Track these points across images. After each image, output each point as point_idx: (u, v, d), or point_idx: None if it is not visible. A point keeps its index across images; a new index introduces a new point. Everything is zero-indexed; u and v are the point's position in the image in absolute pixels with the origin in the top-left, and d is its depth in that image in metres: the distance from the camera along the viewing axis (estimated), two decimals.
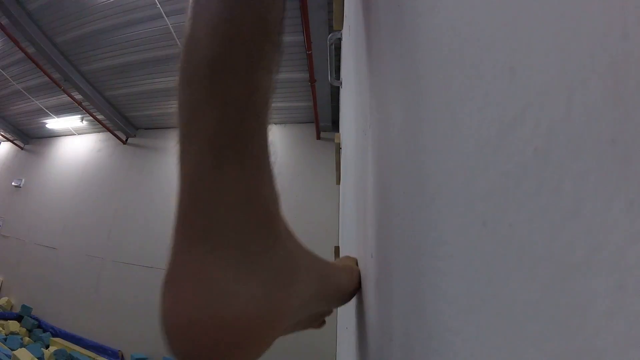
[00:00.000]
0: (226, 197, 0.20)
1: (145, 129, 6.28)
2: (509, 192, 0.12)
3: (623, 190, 0.08)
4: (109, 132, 6.03)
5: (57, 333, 5.18)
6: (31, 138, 7.18)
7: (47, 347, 4.83)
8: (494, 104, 0.14)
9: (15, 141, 7.03)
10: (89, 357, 4.67)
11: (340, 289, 0.36)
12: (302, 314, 0.27)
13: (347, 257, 0.49)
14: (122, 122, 5.99)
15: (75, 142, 6.68)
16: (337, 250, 2.41)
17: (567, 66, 0.10)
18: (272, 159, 0.24)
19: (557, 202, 0.10)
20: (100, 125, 5.90)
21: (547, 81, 0.11)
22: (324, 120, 4.98)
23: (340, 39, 1.92)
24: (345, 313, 0.83)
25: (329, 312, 0.38)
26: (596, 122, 0.09)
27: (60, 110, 5.96)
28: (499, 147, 0.13)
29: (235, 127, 0.21)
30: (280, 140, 5.38)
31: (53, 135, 6.90)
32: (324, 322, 0.38)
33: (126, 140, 6.28)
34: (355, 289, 0.41)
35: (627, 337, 0.07)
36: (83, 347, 4.89)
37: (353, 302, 0.48)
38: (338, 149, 2.35)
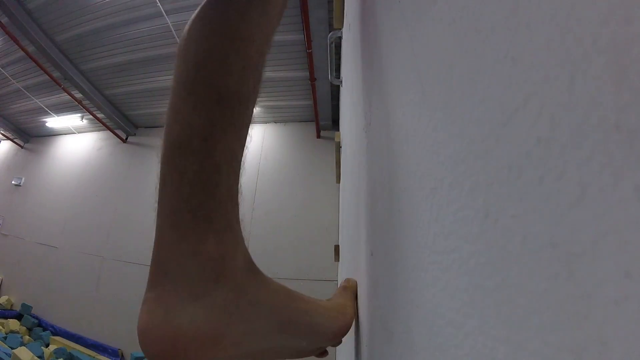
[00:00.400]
0: (178, 252, 0.28)
1: (146, 127, 6.28)
2: (511, 183, 0.12)
3: (628, 176, 0.07)
4: (109, 131, 6.03)
5: (57, 332, 5.18)
6: (31, 137, 7.18)
7: (47, 345, 4.84)
8: (495, 94, 0.14)
9: (15, 140, 7.03)
10: (89, 355, 4.68)
11: (317, 329, 0.37)
12: (259, 342, 0.32)
13: (344, 289, 0.48)
14: (122, 121, 5.98)
15: (75, 140, 6.68)
16: (337, 249, 2.41)
17: (568, 53, 0.10)
18: (230, 217, 0.29)
19: (561, 191, 0.10)
20: (100, 123, 5.90)
21: (549, 69, 0.11)
22: (324, 118, 4.98)
23: (340, 38, 1.92)
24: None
25: (318, 349, 0.40)
26: (599, 109, 0.09)
27: (60, 108, 5.96)
28: (501, 138, 0.13)
29: (188, 200, 0.28)
30: (280, 139, 5.38)
31: (53, 134, 6.90)
32: (325, 352, 0.42)
33: (126, 138, 6.28)
34: (345, 330, 0.41)
35: (635, 324, 0.07)
36: (83, 346, 4.90)
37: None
38: (338, 147, 2.35)
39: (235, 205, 0.31)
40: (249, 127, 0.32)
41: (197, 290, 0.28)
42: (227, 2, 0.32)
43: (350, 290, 0.49)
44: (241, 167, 0.31)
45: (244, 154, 0.32)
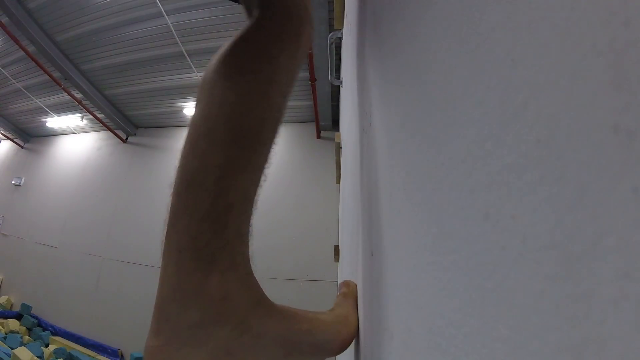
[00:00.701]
0: (180, 295, 0.27)
1: (146, 127, 6.29)
2: (510, 184, 0.12)
3: (627, 177, 0.08)
4: (109, 131, 6.03)
5: (56, 332, 5.19)
6: (31, 137, 7.18)
7: (46, 345, 4.84)
8: (495, 96, 0.14)
9: (15, 140, 7.03)
10: (89, 355, 4.68)
11: (322, 346, 0.36)
12: None
13: (345, 297, 0.46)
14: (122, 121, 5.99)
15: (75, 140, 6.68)
16: (337, 249, 2.41)
17: (568, 55, 0.10)
18: (235, 256, 0.29)
19: (560, 192, 0.10)
20: (100, 124, 5.91)
21: (549, 71, 0.11)
22: (324, 119, 4.98)
23: (340, 38, 1.92)
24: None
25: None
26: (598, 110, 0.09)
27: (61, 108, 5.96)
28: (501, 139, 0.13)
29: (195, 239, 0.28)
30: (280, 139, 5.36)
31: (53, 134, 6.91)
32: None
33: (126, 139, 6.28)
34: (348, 342, 0.40)
35: (634, 324, 0.07)
36: (83, 346, 4.90)
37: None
38: (338, 148, 2.36)
39: (244, 244, 0.30)
40: (265, 168, 0.33)
41: (199, 335, 0.27)
42: (258, 46, 0.32)
43: (351, 296, 0.47)
44: (254, 207, 0.31)
45: (257, 194, 0.32)
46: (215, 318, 0.28)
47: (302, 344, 0.34)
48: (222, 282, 0.28)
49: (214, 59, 0.33)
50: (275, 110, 0.33)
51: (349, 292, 0.47)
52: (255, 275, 0.32)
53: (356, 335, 0.42)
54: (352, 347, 0.55)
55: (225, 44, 0.33)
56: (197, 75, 4.63)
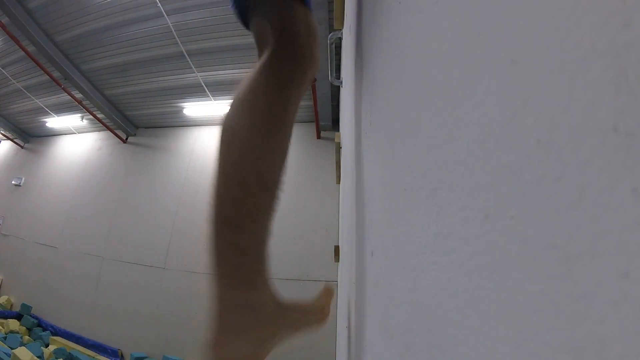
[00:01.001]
0: (230, 305, 0.39)
1: (146, 127, 6.28)
2: (510, 184, 0.12)
3: (626, 177, 0.08)
4: (109, 131, 6.03)
5: (56, 332, 5.18)
6: (31, 137, 7.18)
7: (46, 345, 4.83)
8: (495, 96, 0.14)
9: (15, 140, 7.03)
10: (89, 355, 4.68)
11: (307, 322, 0.49)
12: (276, 345, 0.45)
13: (324, 292, 0.57)
14: (122, 121, 5.98)
15: (75, 140, 6.68)
16: (337, 249, 2.41)
17: (567, 56, 0.10)
18: (264, 277, 0.42)
19: (560, 192, 0.10)
20: (100, 124, 5.90)
21: (548, 72, 0.11)
22: (324, 119, 4.98)
23: (340, 38, 1.92)
24: (345, 313, 0.83)
25: (309, 327, 0.53)
26: (598, 111, 0.09)
27: (61, 109, 5.96)
28: (501, 140, 0.13)
29: (238, 267, 0.40)
30: None
31: (53, 134, 6.90)
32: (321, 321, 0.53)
33: (126, 139, 6.28)
34: (325, 318, 0.53)
35: (633, 324, 0.07)
36: (83, 346, 4.89)
37: (352, 302, 0.52)
38: (338, 148, 2.36)
39: (268, 264, 0.42)
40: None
41: (245, 330, 0.40)
42: (271, 85, 0.42)
43: (328, 293, 0.57)
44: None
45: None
46: (252, 319, 0.40)
47: (299, 324, 0.47)
48: (259, 296, 0.41)
49: (234, 96, 0.42)
50: (285, 158, 0.44)
51: (327, 293, 0.59)
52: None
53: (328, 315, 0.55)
54: (353, 345, 0.55)
55: (242, 81, 0.42)
56: (197, 75, 4.64)
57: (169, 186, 5.26)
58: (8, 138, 6.91)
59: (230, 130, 0.41)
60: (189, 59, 4.49)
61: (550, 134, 0.10)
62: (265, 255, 0.42)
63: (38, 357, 4.19)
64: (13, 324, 5.12)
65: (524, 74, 0.12)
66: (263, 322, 0.41)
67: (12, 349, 4.19)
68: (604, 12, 0.09)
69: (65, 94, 5.14)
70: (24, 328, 5.20)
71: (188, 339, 4.47)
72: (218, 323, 0.39)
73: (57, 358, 4.51)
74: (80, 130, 6.60)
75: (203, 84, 4.86)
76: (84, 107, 5.43)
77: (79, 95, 5.29)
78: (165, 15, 3.89)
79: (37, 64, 4.55)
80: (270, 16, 0.47)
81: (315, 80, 3.96)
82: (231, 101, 0.42)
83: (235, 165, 0.39)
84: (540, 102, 0.11)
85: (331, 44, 2.09)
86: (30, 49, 4.46)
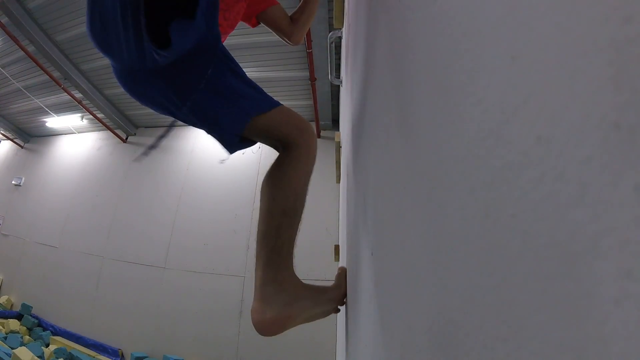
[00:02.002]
0: (266, 281, 0.66)
1: (145, 127, 6.28)
2: (511, 182, 0.12)
3: (628, 174, 0.07)
4: (109, 131, 6.02)
5: (57, 331, 5.18)
6: (31, 136, 7.18)
7: (47, 345, 4.84)
8: (495, 93, 0.14)
9: (15, 140, 7.03)
10: (89, 355, 4.68)
11: (330, 301, 0.75)
12: (305, 316, 0.68)
13: (338, 275, 0.85)
14: (122, 121, 5.98)
15: (75, 140, 6.68)
16: (337, 248, 2.41)
17: (568, 52, 0.10)
18: (288, 265, 0.70)
19: (561, 190, 0.09)
20: (100, 123, 5.90)
21: (549, 68, 0.11)
22: (324, 118, 4.98)
23: (340, 37, 1.92)
24: (344, 313, 0.83)
25: (329, 311, 0.77)
26: (599, 107, 0.09)
27: (60, 108, 5.95)
28: (501, 137, 0.13)
29: (271, 259, 0.68)
30: None
31: (53, 134, 6.90)
32: (337, 310, 0.78)
33: (126, 138, 6.27)
34: (343, 297, 0.78)
35: (635, 324, 0.07)
36: (83, 346, 4.90)
37: (352, 302, 0.57)
38: (338, 147, 2.35)
39: (292, 260, 0.70)
40: (300, 222, 0.74)
41: (277, 299, 0.64)
42: (284, 170, 0.73)
43: (342, 275, 0.84)
44: (295, 241, 0.73)
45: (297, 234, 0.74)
46: (281, 290, 0.65)
47: (320, 302, 0.72)
48: (286, 276, 0.67)
49: (265, 176, 0.74)
50: (303, 196, 0.74)
51: (341, 272, 0.86)
52: None
53: (345, 295, 0.78)
54: (353, 345, 0.55)
55: (269, 168, 0.74)
56: None
57: (168, 186, 5.26)
58: (8, 138, 6.91)
59: (262, 190, 0.75)
60: None
61: (551, 131, 0.10)
62: (291, 251, 0.70)
63: (38, 357, 4.19)
64: (13, 323, 5.12)
65: (524, 71, 0.12)
66: (287, 292, 0.66)
67: (12, 348, 4.19)
68: (605, 7, 0.09)
69: (65, 93, 5.13)
70: (25, 328, 5.20)
71: (188, 339, 4.48)
72: (257, 294, 0.65)
73: (57, 358, 4.52)
74: (80, 130, 6.60)
75: None
76: (84, 107, 5.42)
77: (78, 95, 5.29)
78: None
79: (37, 63, 4.55)
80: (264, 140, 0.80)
81: (315, 79, 3.96)
82: (265, 177, 0.75)
83: (266, 209, 0.72)
84: (540, 99, 0.11)
85: (331, 43, 2.09)
86: (30, 48, 4.46)
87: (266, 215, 0.69)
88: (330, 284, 0.78)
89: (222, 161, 4.51)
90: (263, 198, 0.71)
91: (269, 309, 0.63)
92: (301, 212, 0.72)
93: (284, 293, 0.65)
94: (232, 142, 0.77)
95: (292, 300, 0.65)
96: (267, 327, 0.63)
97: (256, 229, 0.70)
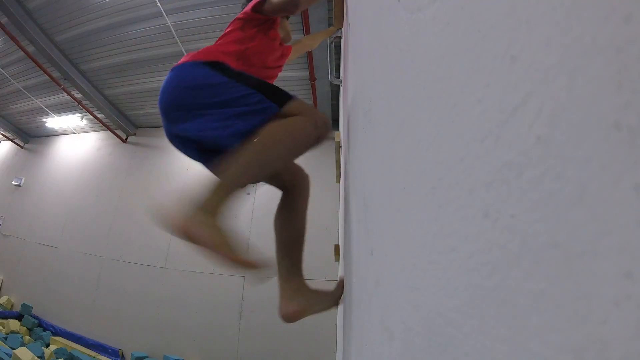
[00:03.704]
0: (287, 285, 1.03)
1: (145, 127, 6.28)
2: (510, 182, 0.12)
3: (628, 175, 0.07)
4: (108, 131, 6.02)
5: (57, 332, 5.18)
6: (31, 137, 7.18)
7: (47, 345, 4.84)
8: (494, 93, 0.14)
9: (15, 140, 7.03)
10: (90, 355, 4.68)
11: (330, 300, 1.04)
12: (314, 310, 1.02)
13: (338, 283, 1.09)
14: (122, 121, 5.98)
15: (75, 140, 6.67)
16: (337, 248, 2.41)
17: (568, 51, 0.10)
18: (301, 271, 1.08)
19: (561, 190, 0.09)
20: (100, 124, 5.90)
21: (549, 68, 0.11)
22: None
23: (340, 37, 1.92)
24: (343, 314, 0.83)
25: (330, 307, 1.05)
26: (599, 107, 0.08)
27: (60, 109, 5.95)
28: (501, 137, 0.13)
29: (289, 269, 1.06)
30: None
31: (53, 134, 6.90)
32: (337, 304, 1.06)
33: (126, 138, 6.27)
34: (339, 299, 1.05)
35: (635, 325, 0.07)
36: (83, 346, 4.90)
37: (352, 302, 0.56)
38: (338, 147, 2.35)
39: (302, 268, 1.05)
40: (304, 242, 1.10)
41: (298, 297, 0.98)
42: (291, 202, 1.14)
43: (340, 283, 1.08)
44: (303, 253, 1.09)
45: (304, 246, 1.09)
46: (302, 292, 1.00)
47: (324, 299, 1.03)
48: (301, 283, 1.02)
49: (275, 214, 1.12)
50: (306, 222, 1.12)
51: (340, 282, 1.09)
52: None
53: (341, 296, 1.04)
54: (352, 345, 0.55)
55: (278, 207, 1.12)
56: None
57: (168, 186, 5.26)
58: (8, 138, 6.91)
59: (275, 220, 1.12)
60: None
61: (550, 131, 0.10)
62: (301, 262, 1.04)
63: (39, 357, 4.19)
64: (14, 324, 5.12)
65: (524, 71, 0.12)
66: (303, 294, 0.98)
67: (13, 349, 4.19)
68: (605, 6, 0.09)
69: (65, 94, 5.13)
70: (25, 328, 5.20)
71: (188, 339, 4.48)
72: (283, 295, 0.96)
73: (57, 358, 4.52)
74: (80, 130, 6.60)
75: None
76: (84, 107, 5.42)
77: (78, 95, 5.28)
78: (165, 15, 3.88)
79: (37, 64, 4.55)
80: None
81: (315, 79, 3.96)
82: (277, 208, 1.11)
83: (297, 234, 1.11)
84: (540, 99, 0.11)
85: (331, 43, 2.09)
86: (30, 49, 4.46)
87: (282, 246, 1.06)
88: (330, 284, 1.07)
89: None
90: (276, 232, 1.08)
91: (291, 305, 0.96)
92: (305, 232, 1.10)
93: (300, 295, 0.99)
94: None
95: (307, 299, 0.99)
96: (292, 316, 0.96)
97: (269, 239, 1.07)
